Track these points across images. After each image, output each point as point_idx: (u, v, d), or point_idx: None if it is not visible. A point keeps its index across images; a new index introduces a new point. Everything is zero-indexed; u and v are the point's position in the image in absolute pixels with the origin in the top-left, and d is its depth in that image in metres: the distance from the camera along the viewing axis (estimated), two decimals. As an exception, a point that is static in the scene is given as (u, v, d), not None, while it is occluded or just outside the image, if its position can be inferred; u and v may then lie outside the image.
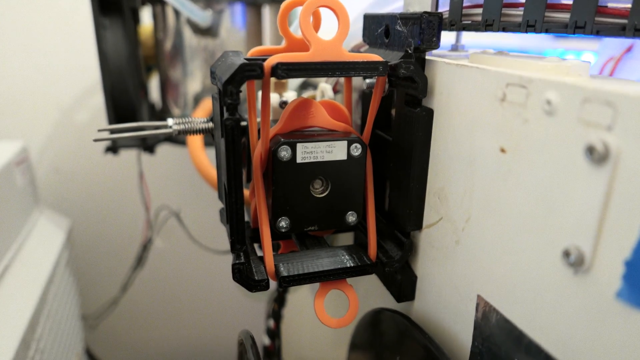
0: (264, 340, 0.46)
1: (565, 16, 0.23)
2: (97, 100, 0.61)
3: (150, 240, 0.61)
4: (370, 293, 0.38)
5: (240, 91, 0.25)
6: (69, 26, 0.66)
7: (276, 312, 0.45)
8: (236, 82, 0.23)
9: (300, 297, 0.56)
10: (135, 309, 0.77)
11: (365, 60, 0.25)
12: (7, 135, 0.66)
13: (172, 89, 0.56)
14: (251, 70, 0.23)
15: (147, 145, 0.53)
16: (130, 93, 0.49)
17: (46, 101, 0.68)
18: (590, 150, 0.16)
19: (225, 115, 0.24)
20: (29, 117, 0.68)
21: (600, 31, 0.22)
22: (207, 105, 0.50)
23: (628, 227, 0.15)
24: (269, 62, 0.24)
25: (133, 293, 0.70)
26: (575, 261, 0.17)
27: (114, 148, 0.51)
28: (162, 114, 0.58)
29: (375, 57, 0.25)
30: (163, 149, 0.58)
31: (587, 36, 0.23)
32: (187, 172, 0.44)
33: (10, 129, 0.68)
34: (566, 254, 0.18)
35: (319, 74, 0.25)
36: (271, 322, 0.45)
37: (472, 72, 0.23)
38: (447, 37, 0.34)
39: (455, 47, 0.33)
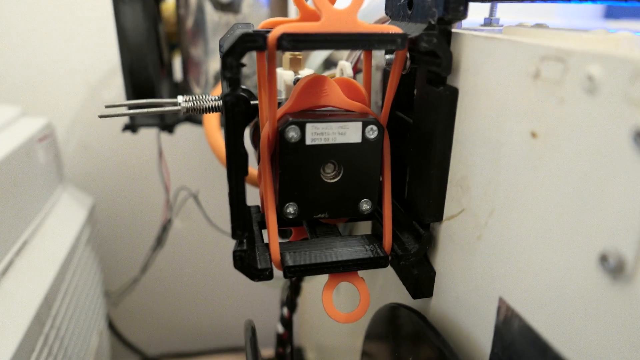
0: (277, 328, 0.45)
1: (616, -19, 0.20)
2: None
3: (170, 221, 0.61)
4: (388, 285, 0.36)
5: (244, 65, 0.23)
6: (95, 1, 0.65)
7: (290, 301, 0.43)
8: (236, 53, 0.21)
9: (317, 285, 0.54)
10: (156, 287, 0.78)
11: (381, 31, 0.22)
12: (37, 111, 0.66)
13: (193, 67, 0.55)
14: (253, 40, 0.21)
15: (166, 124, 0.52)
16: (149, 71, 0.48)
17: (74, 78, 0.68)
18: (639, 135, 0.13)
19: (226, 90, 0.22)
20: (58, 93, 0.68)
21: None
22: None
23: (683, 230, 0.12)
24: (274, 33, 0.21)
25: (153, 272, 0.70)
26: (614, 267, 0.14)
27: (132, 127, 0.51)
28: (183, 92, 0.57)
29: (394, 28, 0.23)
30: (182, 129, 0.57)
31: (635, 4, 0.20)
32: (206, 152, 0.43)
33: (40, 106, 0.68)
34: (604, 258, 0.15)
35: (329, 46, 0.23)
36: (285, 311, 0.44)
37: (502, 45, 0.20)
38: (482, 12, 0.31)
39: (489, 21, 0.30)
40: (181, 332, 0.85)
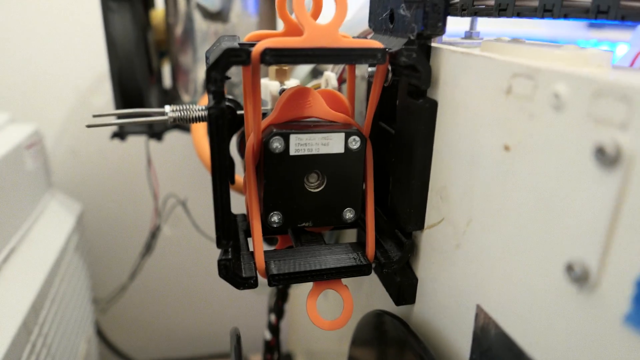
0: (265, 334, 0.46)
1: (585, 0, 0.21)
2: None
3: (159, 228, 0.61)
4: (374, 291, 0.37)
5: (229, 77, 0.24)
6: (85, 9, 0.65)
7: (278, 307, 0.43)
8: (220, 67, 0.22)
9: (305, 291, 0.55)
10: (144, 294, 0.77)
11: (362, 46, 0.23)
12: (25, 117, 0.66)
13: (182, 75, 0.55)
14: (237, 55, 0.22)
15: (154, 132, 0.52)
16: (138, 79, 0.48)
17: (63, 84, 0.68)
18: (600, 151, 0.14)
19: (210, 103, 0.23)
20: (46, 100, 0.68)
21: (625, 16, 0.20)
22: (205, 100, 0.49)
23: (639, 240, 0.13)
24: (258, 48, 0.22)
25: (142, 279, 0.70)
26: (579, 277, 0.15)
27: (121, 134, 0.51)
28: (172, 100, 0.57)
29: (374, 43, 0.23)
30: (171, 137, 0.57)
31: (612, 22, 0.21)
32: (195, 160, 0.43)
33: (28, 112, 0.68)
34: (570, 267, 0.16)
35: (311, 60, 0.23)
36: (272, 317, 0.44)
37: (477, 60, 0.21)
38: (463, 25, 0.31)
39: (469, 35, 0.31)
40: (170, 338, 0.85)
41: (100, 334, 0.73)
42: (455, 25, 0.28)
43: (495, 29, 0.29)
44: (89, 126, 0.31)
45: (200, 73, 0.54)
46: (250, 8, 0.52)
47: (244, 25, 0.52)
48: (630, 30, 0.63)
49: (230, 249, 0.26)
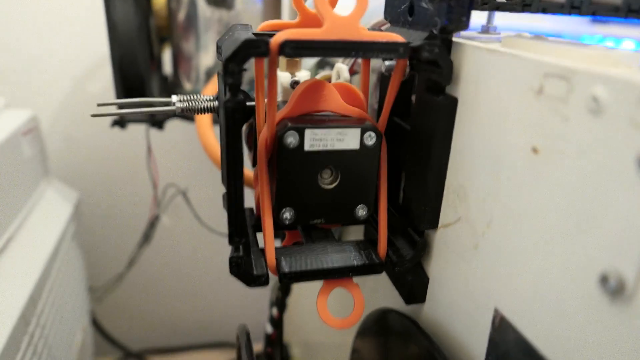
0: (266, 328, 0.45)
1: (617, -3, 0.20)
2: (110, 71, 0.60)
3: (158, 217, 0.60)
4: (379, 289, 0.36)
5: (245, 69, 0.23)
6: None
7: (280, 301, 0.43)
8: (238, 59, 0.21)
9: (306, 283, 0.54)
10: (141, 283, 0.77)
11: (384, 40, 0.22)
12: (21, 104, 0.65)
13: (184, 62, 0.54)
14: (256, 47, 0.21)
15: (156, 120, 0.51)
16: (139, 65, 0.47)
17: (60, 69, 0.67)
18: (645, 160, 0.13)
19: (227, 95, 0.22)
20: (42, 85, 0.66)
21: (658, 16, 0.19)
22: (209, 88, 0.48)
23: (686, 255, 0.13)
24: (277, 39, 0.21)
25: (139, 268, 0.69)
26: (614, 288, 0.15)
27: (121, 122, 0.50)
28: (173, 88, 0.56)
29: (396, 36, 0.23)
30: (172, 125, 0.56)
31: (634, 21, 0.20)
32: (196, 149, 0.42)
33: (24, 98, 0.66)
34: (604, 278, 0.15)
35: (332, 53, 0.22)
36: (274, 311, 0.44)
37: (505, 58, 0.20)
38: (477, 18, 0.31)
39: (486, 29, 0.30)
40: (165, 328, 0.84)
41: (96, 323, 0.72)
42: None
43: (500, 22, 0.28)
44: (93, 115, 0.30)
45: (203, 60, 0.53)
46: (255, -6, 0.51)
47: (249, 12, 0.51)
48: (635, 26, 0.63)
49: (241, 246, 0.26)
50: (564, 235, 0.17)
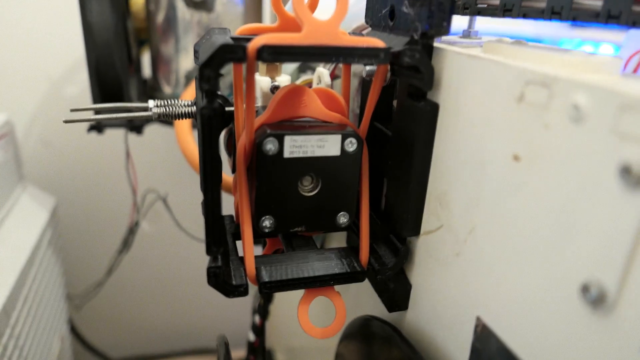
0: (249, 336, 0.44)
1: (596, 3, 0.20)
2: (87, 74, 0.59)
3: (137, 224, 0.59)
4: (363, 295, 0.36)
5: (222, 75, 0.22)
6: (59, -6, 0.62)
7: (262, 308, 0.42)
8: (214, 65, 0.20)
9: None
10: (121, 291, 0.75)
11: (364, 45, 0.22)
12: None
13: (163, 65, 0.53)
14: (232, 52, 0.20)
15: (134, 125, 0.50)
16: (116, 68, 0.46)
17: (35, 73, 0.65)
18: (626, 170, 0.13)
19: (203, 102, 0.21)
20: (17, 89, 0.65)
21: (636, 22, 0.19)
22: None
23: (668, 267, 0.12)
24: (254, 44, 0.21)
25: (119, 275, 0.68)
26: (595, 298, 0.14)
27: (98, 127, 0.49)
28: (152, 91, 0.55)
29: (376, 41, 0.22)
30: (151, 129, 0.55)
31: (612, 26, 0.20)
32: (176, 154, 0.41)
33: (-2, 101, 0.65)
34: (585, 288, 0.15)
35: (311, 59, 0.22)
36: (257, 318, 0.43)
37: (486, 65, 0.20)
38: (458, 22, 0.30)
39: (467, 34, 0.30)
40: (146, 335, 0.83)
41: (75, 331, 0.70)
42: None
43: (480, 25, 0.28)
44: (66, 121, 0.29)
45: (182, 64, 0.52)
46: (236, -3, 0.50)
47: (230, 14, 0.50)
48: (613, 30, 0.64)
49: (219, 256, 0.25)
50: (546, 244, 0.17)
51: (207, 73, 0.20)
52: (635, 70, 0.36)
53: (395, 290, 0.28)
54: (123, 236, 0.61)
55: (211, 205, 0.23)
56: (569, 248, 0.16)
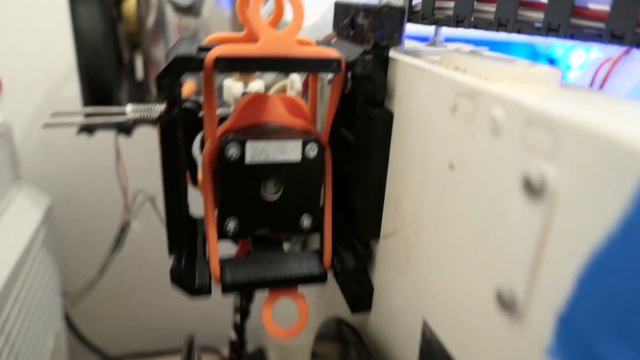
0: (230, 335, 0.45)
1: (537, 16, 0.21)
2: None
3: (128, 223, 0.60)
4: (336, 295, 0.37)
5: (181, 84, 0.23)
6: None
7: (243, 308, 0.43)
8: (171, 75, 0.21)
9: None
10: (115, 288, 0.77)
11: (317, 56, 0.23)
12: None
13: (154, 68, 0.54)
14: (187, 62, 0.21)
15: (124, 127, 0.51)
16: (106, 71, 0.47)
17: (33, 74, 0.66)
18: (527, 181, 0.14)
19: (162, 111, 0.22)
20: (14, 89, 0.66)
21: (574, 35, 0.20)
22: (186, 88, 0.48)
23: (562, 275, 0.13)
24: (210, 55, 0.22)
25: (112, 273, 0.69)
26: (507, 303, 0.15)
27: (88, 129, 0.50)
28: (143, 94, 0.56)
29: (330, 52, 0.23)
30: (141, 131, 0.56)
31: (563, 39, 0.21)
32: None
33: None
34: (499, 293, 0.16)
35: (264, 69, 0.23)
36: (237, 317, 0.44)
37: (427, 76, 0.20)
38: (430, 30, 0.31)
39: (433, 42, 0.30)
40: (142, 332, 0.84)
41: (72, 328, 0.72)
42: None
43: (458, 31, 0.29)
44: (45, 126, 0.30)
45: (172, 67, 0.53)
46: (223, 2, 0.51)
47: (218, 19, 0.51)
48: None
49: (184, 256, 0.26)
50: (471, 250, 0.17)
51: (164, 82, 0.21)
52: (606, 76, 0.36)
53: (357, 292, 0.28)
54: (115, 235, 0.62)
55: (170, 207, 0.24)
56: (487, 254, 0.16)
